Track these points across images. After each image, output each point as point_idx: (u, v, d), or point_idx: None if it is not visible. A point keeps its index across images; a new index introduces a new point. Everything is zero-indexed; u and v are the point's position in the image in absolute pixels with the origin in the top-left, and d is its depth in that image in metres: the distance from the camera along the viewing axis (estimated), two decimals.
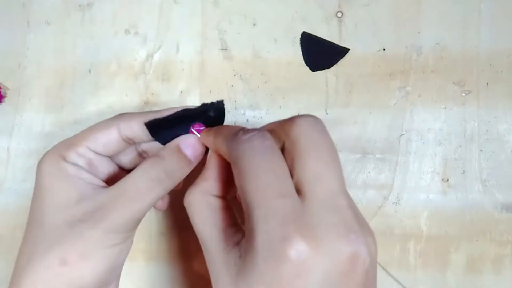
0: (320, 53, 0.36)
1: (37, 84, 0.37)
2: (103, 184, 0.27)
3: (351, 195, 0.36)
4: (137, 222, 0.26)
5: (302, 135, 0.22)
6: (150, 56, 0.37)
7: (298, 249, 0.19)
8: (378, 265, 0.28)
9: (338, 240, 0.19)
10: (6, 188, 0.37)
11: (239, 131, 0.23)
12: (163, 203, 0.31)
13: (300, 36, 0.36)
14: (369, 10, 0.36)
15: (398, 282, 0.35)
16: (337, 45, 0.36)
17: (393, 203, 0.36)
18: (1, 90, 0.36)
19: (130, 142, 0.28)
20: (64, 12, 0.37)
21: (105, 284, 0.26)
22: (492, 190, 0.35)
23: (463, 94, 0.36)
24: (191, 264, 0.37)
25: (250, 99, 0.36)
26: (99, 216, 0.25)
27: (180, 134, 0.28)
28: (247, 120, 0.36)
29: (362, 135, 0.36)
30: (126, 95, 0.37)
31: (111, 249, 0.25)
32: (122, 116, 0.28)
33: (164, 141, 0.28)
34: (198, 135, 0.28)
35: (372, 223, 0.36)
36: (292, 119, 0.23)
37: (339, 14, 0.36)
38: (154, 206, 0.30)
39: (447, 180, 0.35)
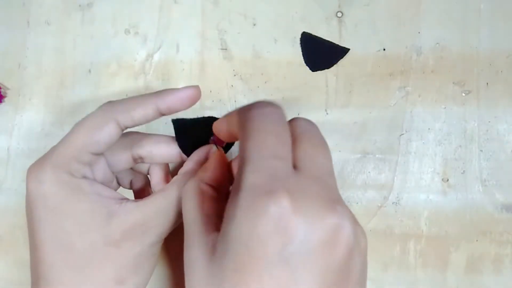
0: (320, 53, 0.36)
1: (37, 84, 0.37)
2: (118, 194, 0.27)
3: (351, 195, 0.36)
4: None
5: (302, 125, 0.23)
6: (150, 56, 0.37)
7: (281, 205, 0.18)
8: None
9: (323, 208, 0.19)
10: (6, 188, 0.37)
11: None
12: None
13: (300, 36, 0.36)
14: (369, 10, 0.36)
15: None
16: (337, 45, 0.36)
17: (393, 203, 0.36)
18: (1, 90, 0.36)
19: (133, 126, 0.28)
20: (64, 12, 0.37)
21: None
22: (492, 190, 0.35)
23: (463, 94, 0.36)
24: None
25: (250, 99, 0.36)
26: (142, 232, 0.25)
27: (201, 142, 0.28)
28: None
29: (362, 135, 0.36)
30: (126, 95, 0.37)
31: (154, 257, 0.27)
32: (115, 107, 0.26)
33: (183, 145, 0.28)
34: (216, 147, 0.28)
35: (372, 223, 0.36)
36: (291, 119, 0.24)
37: (339, 14, 0.36)
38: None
39: (447, 180, 0.35)
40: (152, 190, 0.30)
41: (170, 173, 0.32)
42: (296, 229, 0.18)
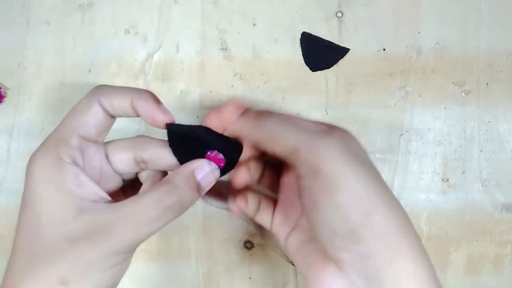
0: (320, 53, 0.36)
1: (37, 84, 0.37)
2: (102, 191, 0.26)
3: None
4: (141, 243, 0.25)
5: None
6: (150, 56, 0.37)
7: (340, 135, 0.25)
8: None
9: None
10: (6, 188, 0.37)
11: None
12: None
13: (300, 36, 0.36)
14: (369, 10, 0.36)
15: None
16: (337, 45, 0.36)
17: None
18: (1, 90, 0.36)
19: (113, 117, 0.27)
20: (64, 12, 0.37)
21: None
22: (492, 190, 0.35)
23: (463, 94, 0.36)
24: (191, 264, 0.37)
25: (250, 99, 0.36)
26: (102, 235, 0.23)
27: (196, 153, 0.27)
28: None
29: (362, 135, 0.36)
30: None
31: (112, 269, 0.24)
32: (100, 89, 0.26)
33: (177, 152, 0.27)
34: (216, 165, 0.27)
35: None
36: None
37: (339, 14, 0.36)
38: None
39: (447, 180, 0.35)
40: None
41: None
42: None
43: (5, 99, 0.37)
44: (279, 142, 0.24)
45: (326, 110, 0.36)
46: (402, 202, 0.35)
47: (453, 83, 0.36)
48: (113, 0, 0.37)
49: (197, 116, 0.37)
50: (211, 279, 0.37)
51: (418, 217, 0.35)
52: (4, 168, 0.37)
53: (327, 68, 0.36)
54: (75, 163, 0.25)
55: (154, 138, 0.27)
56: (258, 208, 0.29)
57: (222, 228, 0.37)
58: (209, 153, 0.27)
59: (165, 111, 0.26)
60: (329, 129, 0.24)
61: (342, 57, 0.36)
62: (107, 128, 0.27)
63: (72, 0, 0.37)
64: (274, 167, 0.29)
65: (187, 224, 0.37)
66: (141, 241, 0.25)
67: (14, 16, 0.37)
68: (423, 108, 0.36)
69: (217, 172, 0.27)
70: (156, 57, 0.37)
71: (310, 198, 0.23)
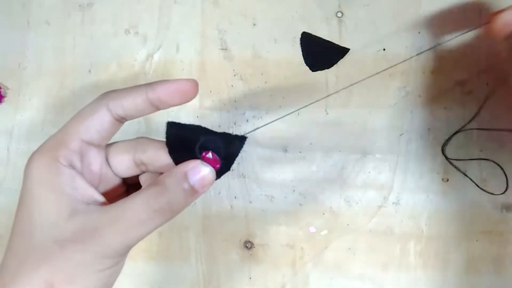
0: (320, 53, 0.36)
1: (37, 84, 0.37)
2: (98, 195, 0.25)
3: (351, 195, 0.36)
4: (132, 247, 0.25)
5: None
6: (150, 56, 0.37)
7: None
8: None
9: None
10: (6, 188, 0.37)
11: None
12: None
13: (300, 36, 0.36)
14: (369, 10, 0.36)
15: None
16: (337, 45, 0.36)
17: (393, 203, 0.36)
18: (1, 90, 0.36)
19: (122, 121, 0.26)
20: (64, 12, 0.37)
21: None
22: (492, 190, 0.35)
23: (463, 94, 0.36)
24: (191, 264, 0.37)
25: (250, 99, 0.36)
26: (91, 238, 0.23)
27: (192, 154, 0.25)
28: (247, 120, 0.36)
29: (362, 135, 0.36)
30: None
31: (102, 273, 0.24)
32: (108, 94, 0.26)
33: (173, 152, 0.26)
34: (210, 166, 0.25)
35: (372, 223, 0.36)
36: None
37: (339, 14, 0.36)
38: None
39: (447, 180, 0.35)
40: None
41: None
42: None
43: (5, 99, 0.37)
44: None
45: (326, 110, 0.36)
46: (402, 202, 0.36)
47: (453, 83, 0.36)
48: (113, 0, 0.37)
49: (197, 116, 0.37)
50: (211, 279, 0.37)
51: (418, 217, 0.35)
52: (4, 168, 0.37)
53: (327, 68, 0.36)
54: (71, 166, 0.25)
55: (153, 139, 0.27)
56: None
57: (222, 228, 0.37)
58: (204, 153, 0.25)
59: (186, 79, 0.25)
60: None
61: (342, 57, 0.36)
62: (111, 133, 0.27)
63: (72, 0, 0.37)
64: None
65: (187, 224, 0.37)
66: (132, 245, 0.24)
67: (14, 16, 0.37)
68: (423, 108, 0.36)
69: (213, 174, 0.25)
70: (156, 57, 0.37)
71: None
